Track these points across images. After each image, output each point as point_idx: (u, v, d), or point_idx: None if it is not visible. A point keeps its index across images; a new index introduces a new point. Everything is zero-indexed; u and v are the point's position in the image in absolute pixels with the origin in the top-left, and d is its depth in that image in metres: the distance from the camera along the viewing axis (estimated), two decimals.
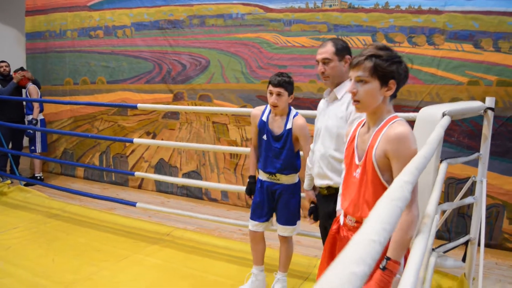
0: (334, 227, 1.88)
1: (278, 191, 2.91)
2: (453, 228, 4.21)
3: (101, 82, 6.20)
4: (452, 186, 4.18)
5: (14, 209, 4.91)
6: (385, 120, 1.66)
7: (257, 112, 2.94)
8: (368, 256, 0.59)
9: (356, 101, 1.67)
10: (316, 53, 2.45)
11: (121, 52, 5.97)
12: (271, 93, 2.74)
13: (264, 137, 2.86)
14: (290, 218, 2.94)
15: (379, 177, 1.63)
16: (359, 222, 1.71)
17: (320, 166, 2.45)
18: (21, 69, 6.09)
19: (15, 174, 5.80)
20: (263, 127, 2.88)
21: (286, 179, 2.90)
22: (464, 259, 3.09)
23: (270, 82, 2.75)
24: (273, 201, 2.96)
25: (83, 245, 3.90)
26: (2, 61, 6.17)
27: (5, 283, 3.12)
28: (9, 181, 5.59)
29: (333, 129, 2.36)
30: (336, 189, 2.40)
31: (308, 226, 4.35)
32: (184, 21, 5.39)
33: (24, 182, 5.75)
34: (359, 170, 1.71)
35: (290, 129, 2.80)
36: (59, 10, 6.48)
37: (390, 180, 1.60)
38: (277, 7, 4.77)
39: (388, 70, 1.61)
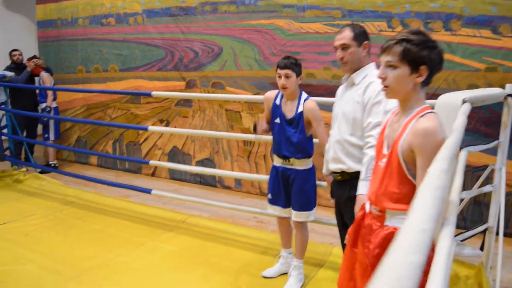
0: (360, 213, 1.88)
1: (292, 176, 2.92)
2: (469, 216, 4.19)
3: (114, 70, 6.20)
4: (468, 174, 4.15)
5: (30, 196, 4.96)
6: (416, 111, 1.60)
7: (270, 95, 2.97)
8: (422, 245, 0.59)
9: (385, 87, 1.63)
10: (334, 39, 2.42)
11: (133, 40, 5.96)
12: (279, 76, 2.77)
13: (278, 120, 2.88)
14: (304, 204, 2.94)
15: (403, 170, 1.60)
16: (382, 212, 1.69)
17: (335, 150, 2.46)
18: (34, 57, 6.10)
19: (30, 162, 5.85)
20: (276, 110, 2.90)
21: (299, 164, 2.89)
22: (482, 248, 3.08)
23: (278, 66, 2.79)
24: (288, 186, 2.97)
25: (99, 232, 3.94)
26: (15, 50, 6.19)
27: (26, 269, 3.17)
28: (24, 169, 5.65)
29: (350, 113, 2.36)
30: (351, 175, 2.40)
31: (322, 213, 4.36)
32: (196, 7, 5.35)
33: (39, 170, 5.81)
34: (385, 160, 1.68)
35: (302, 112, 2.81)
36: None
37: (415, 173, 1.57)
38: None
39: (418, 55, 1.54)
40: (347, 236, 1.94)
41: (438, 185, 0.89)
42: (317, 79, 4.61)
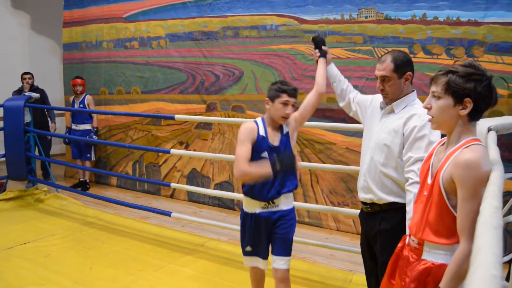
0: (400, 244, 1.85)
1: (276, 220, 2.56)
2: None
3: (136, 92, 6.31)
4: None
5: (51, 216, 5.02)
6: (462, 142, 1.57)
7: (252, 125, 2.52)
8: None
9: (431, 117, 1.63)
10: (376, 66, 2.34)
11: (156, 63, 6.07)
12: (285, 104, 2.45)
13: (265, 154, 2.46)
14: (289, 247, 2.61)
15: (445, 201, 1.57)
16: (420, 244, 1.67)
17: (366, 179, 2.37)
18: (80, 77, 6.31)
19: (51, 181, 5.93)
20: (263, 143, 2.49)
21: (285, 202, 2.57)
22: (508, 279, 3.00)
23: (284, 91, 2.45)
24: (271, 233, 2.58)
25: (119, 254, 3.95)
26: (26, 73, 6.39)
27: None
28: (45, 188, 5.73)
29: (386, 143, 2.27)
30: (381, 206, 2.33)
31: (341, 239, 4.32)
32: (218, 32, 5.45)
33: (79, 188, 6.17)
34: (427, 190, 1.65)
35: (287, 131, 2.59)
36: (96, 22, 6.65)
37: (456, 205, 1.54)
38: (312, 19, 4.77)
39: (462, 87, 1.52)
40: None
41: (496, 224, 0.88)
42: (338, 104, 4.61)
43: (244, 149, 2.40)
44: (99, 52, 6.68)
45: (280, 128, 2.57)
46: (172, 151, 4.47)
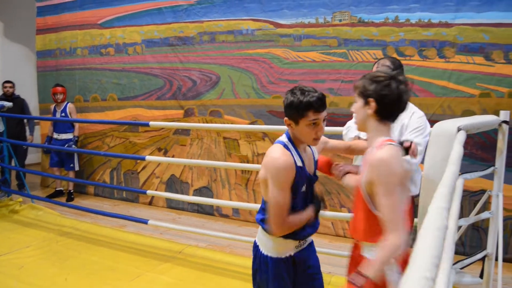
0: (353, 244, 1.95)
1: (308, 257, 2.09)
2: (467, 241, 4.15)
3: (112, 99, 6.24)
4: (466, 199, 4.13)
5: (26, 227, 4.91)
6: (376, 144, 1.68)
7: (289, 160, 1.84)
8: None
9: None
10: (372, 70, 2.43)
11: (132, 69, 6.02)
12: (315, 123, 1.80)
13: (304, 188, 1.92)
14: None
15: (367, 205, 1.66)
16: (359, 242, 1.80)
17: None
18: (61, 85, 6.19)
19: (26, 191, 5.81)
20: (302, 175, 1.90)
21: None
22: (481, 275, 3.04)
23: (311, 106, 1.77)
24: (302, 275, 2.08)
25: (96, 264, 3.88)
26: (7, 82, 6.29)
27: None
28: (20, 199, 5.61)
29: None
30: None
31: (320, 241, 4.33)
32: (195, 37, 5.43)
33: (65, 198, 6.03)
34: (355, 195, 1.78)
35: (314, 151, 2.07)
36: (70, 28, 6.56)
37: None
38: (287, 23, 4.80)
39: (366, 88, 1.69)
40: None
41: (439, 226, 0.89)
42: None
43: (285, 197, 1.81)
44: (73, 59, 6.58)
45: (310, 149, 2.03)
46: (148, 157, 4.42)
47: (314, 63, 4.65)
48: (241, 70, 5.11)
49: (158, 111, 5.81)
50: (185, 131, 5.61)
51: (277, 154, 1.82)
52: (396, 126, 2.50)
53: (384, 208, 1.56)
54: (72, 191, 6.21)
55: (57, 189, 6.30)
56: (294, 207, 1.88)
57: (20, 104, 6.30)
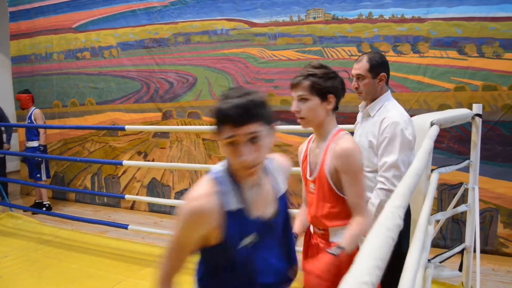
0: (305, 237, 1.98)
1: None
2: (448, 234, 4.19)
3: (90, 103, 6.16)
4: (445, 193, 4.17)
5: (4, 236, 4.82)
6: (331, 135, 1.77)
7: (206, 203, 1.25)
8: None
9: (301, 118, 1.77)
10: (352, 67, 2.39)
11: (109, 73, 5.95)
12: (233, 143, 1.23)
13: (249, 239, 1.37)
14: None
15: (334, 190, 1.75)
16: (326, 231, 1.82)
17: None
18: (26, 91, 5.94)
19: (5, 201, 5.71)
20: (243, 222, 1.39)
21: None
22: (460, 268, 3.07)
23: (225, 120, 1.21)
24: None
25: (76, 271, 3.83)
26: None
27: None
28: None
29: (364, 147, 2.29)
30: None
31: None
32: (170, 39, 5.38)
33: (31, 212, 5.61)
34: (313, 186, 1.82)
35: None
36: (44, 33, 6.46)
37: (343, 190, 1.74)
38: (261, 21, 4.78)
39: (324, 85, 1.71)
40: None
41: (391, 226, 0.87)
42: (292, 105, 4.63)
43: (177, 258, 1.36)
44: (49, 64, 6.48)
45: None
46: (125, 162, 4.37)
47: (290, 62, 4.64)
48: (217, 71, 5.08)
49: (137, 114, 5.75)
50: (165, 134, 5.57)
51: (193, 194, 1.26)
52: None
53: (351, 194, 1.70)
54: (45, 202, 5.87)
55: (36, 201, 6.02)
56: (233, 271, 1.31)
57: None
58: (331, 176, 1.74)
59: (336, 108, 1.79)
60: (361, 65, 2.34)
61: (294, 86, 1.76)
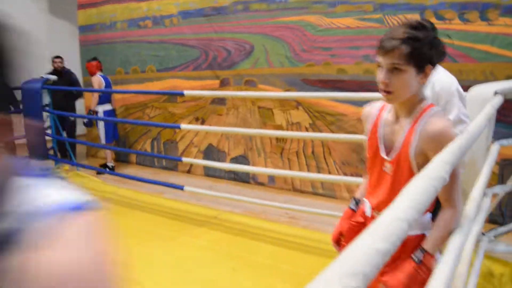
0: (360, 219, 1.69)
1: None
2: (507, 212, 4.03)
3: (151, 70, 6.38)
4: (507, 168, 3.99)
5: None
6: (418, 110, 1.46)
7: None
8: (393, 234, 0.57)
9: (387, 92, 1.43)
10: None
11: (169, 41, 6.11)
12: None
13: None
14: None
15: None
16: None
17: None
18: (94, 59, 6.21)
19: (73, 161, 6.09)
20: None
21: None
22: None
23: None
24: None
25: (133, 227, 4.06)
26: (57, 57, 6.43)
27: None
28: (66, 167, 5.90)
29: None
30: None
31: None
32: (229, 7, 5.42)
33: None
34: (389, 166, 1.53)
35: None
36: (109, 2, 6.70)
37: None
38: None
39: (427, 54, 1.38)
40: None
41: (434, 176, 0.86)
42: (349, 74, 4.57)
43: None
44: (113, 32, 6.74)
45: None
46: (182, 126, 4.52)
47: (349, 30, 4.55)
48: (275, 39, 5.07)
49: (195, 81, 5.89)
50: (221, 101, 5.68)
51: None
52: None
53: (448, 183, 1.46)
54: (109, 164, 6.20)
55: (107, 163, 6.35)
56: None
57: (68, 77, 6.48)
58: (417, 161, 1.45)
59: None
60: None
61: (386, 51, 1.39)
